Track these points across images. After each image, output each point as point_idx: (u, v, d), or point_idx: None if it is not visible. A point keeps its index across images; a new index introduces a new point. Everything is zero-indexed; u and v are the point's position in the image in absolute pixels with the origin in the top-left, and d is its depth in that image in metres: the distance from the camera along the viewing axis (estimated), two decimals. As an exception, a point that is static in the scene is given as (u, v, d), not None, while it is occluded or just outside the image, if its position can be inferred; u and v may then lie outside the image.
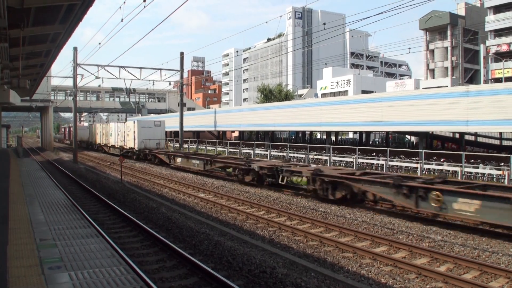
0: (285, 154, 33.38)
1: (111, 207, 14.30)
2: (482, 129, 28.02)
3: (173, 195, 18.31)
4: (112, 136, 43.47)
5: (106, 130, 46.92)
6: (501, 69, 49.82)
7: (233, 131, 60.51)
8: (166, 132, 42.10)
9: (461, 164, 21.38)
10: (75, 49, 32.72)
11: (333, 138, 44.23)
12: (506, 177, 19.12)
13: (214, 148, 41.17)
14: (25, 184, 15.00)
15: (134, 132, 36.02)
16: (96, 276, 5.46)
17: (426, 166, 23.21)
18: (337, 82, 68.57)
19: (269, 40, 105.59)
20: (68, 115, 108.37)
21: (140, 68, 35.86)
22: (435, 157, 24.55)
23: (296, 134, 55.53)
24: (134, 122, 36.66)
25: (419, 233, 11.04)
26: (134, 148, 36.23)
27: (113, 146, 43.37)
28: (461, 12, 58.97)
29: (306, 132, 49.17)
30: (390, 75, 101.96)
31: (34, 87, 32.02)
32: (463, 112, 22.94)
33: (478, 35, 55.81)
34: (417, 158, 24.85)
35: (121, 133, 39.68)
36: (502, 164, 21.03)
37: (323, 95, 67.85)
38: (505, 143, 35.78)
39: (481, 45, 55.31)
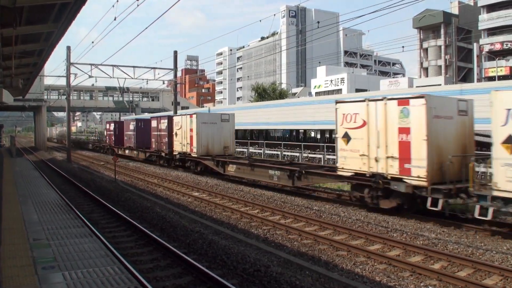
0: (279, 152, 33.43)
1: (105, 207, 14.24)
2: (480, 128, 28.06)
3: (167, 194, 18.27)
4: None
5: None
6: (495, 67, 50.14)
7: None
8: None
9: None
10: (68, 48, 32.51)
11: (327, 136, 44.20)
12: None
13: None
14: (19, 184, 14.91)
15: None
16: (90, 275, 5.44)
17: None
18: (331, 81, 68.71)
19: (263, 38, 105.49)
20: (62, 114, 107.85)
21: (134, 67, 35.29)
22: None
23: (290, 133, 55.56)
24: None
25: (413, 231, 11.09)
26: None
27: None
28: (455, 10, 59.30)
29: (300, 130, 49.21)
30: (384, 74, 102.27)
31: (27, 87, 31.76)
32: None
33: (472, 33, 56.14)
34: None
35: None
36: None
37: (317, 93, 67.92)
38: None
39: (475, 44, 55.63)
